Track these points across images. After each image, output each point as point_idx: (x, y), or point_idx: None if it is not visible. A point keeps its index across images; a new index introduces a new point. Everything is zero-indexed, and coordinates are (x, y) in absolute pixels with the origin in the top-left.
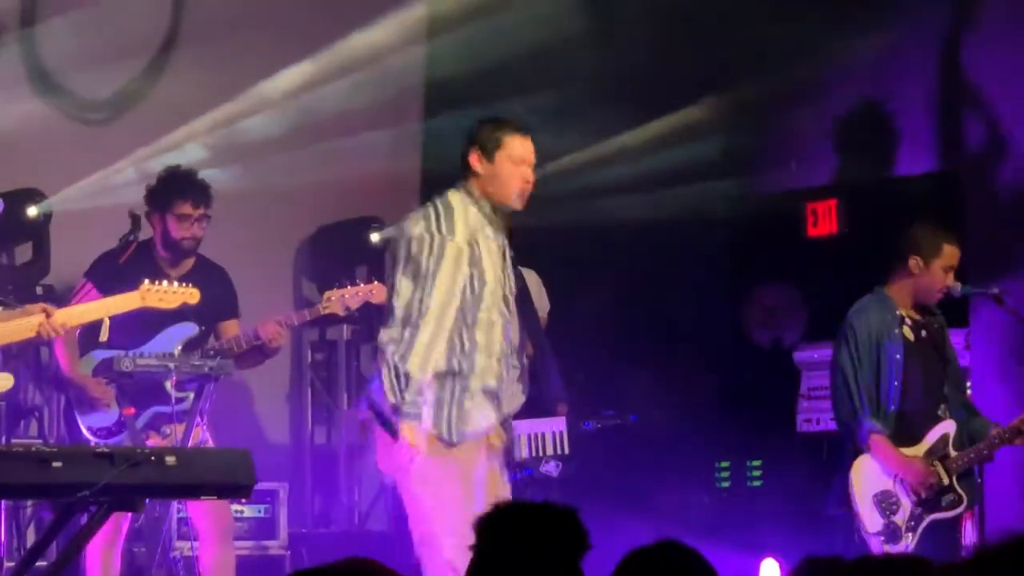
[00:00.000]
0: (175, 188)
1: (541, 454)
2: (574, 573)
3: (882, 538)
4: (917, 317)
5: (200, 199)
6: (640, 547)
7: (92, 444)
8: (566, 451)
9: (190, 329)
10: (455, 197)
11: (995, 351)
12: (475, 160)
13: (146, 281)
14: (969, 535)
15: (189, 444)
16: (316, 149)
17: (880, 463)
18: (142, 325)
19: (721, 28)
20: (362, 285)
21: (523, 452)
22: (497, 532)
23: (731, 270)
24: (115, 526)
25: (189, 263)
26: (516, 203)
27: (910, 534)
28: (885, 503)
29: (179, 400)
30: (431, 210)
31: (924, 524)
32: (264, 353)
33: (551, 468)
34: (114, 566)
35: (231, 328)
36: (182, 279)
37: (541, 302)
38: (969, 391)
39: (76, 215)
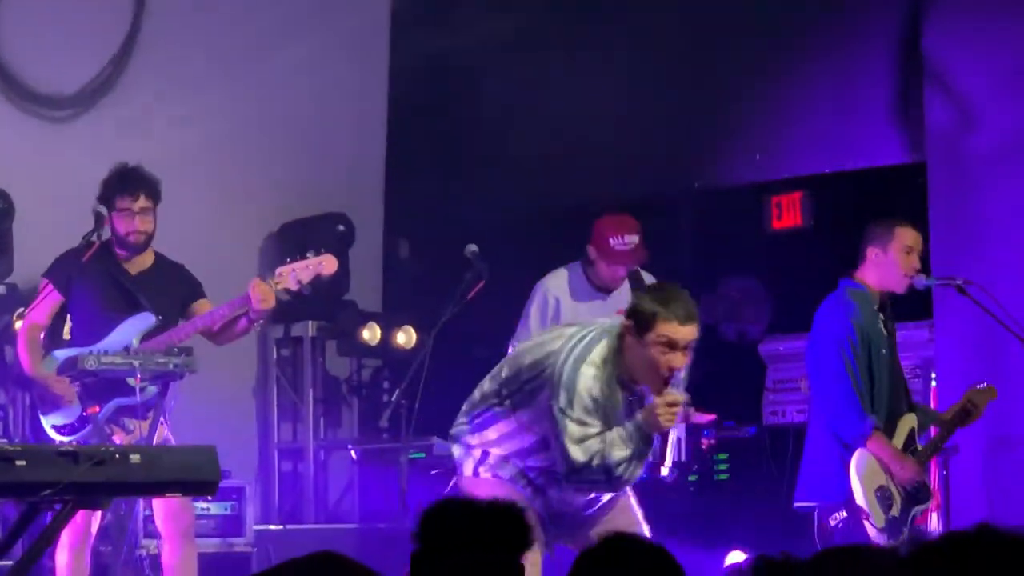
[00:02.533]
0: (116, 184)
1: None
2: (514, 569)
3: (887, 533)
4: (886, 311)
5: (138, 192)
6: (587, 548)
7: (56, 442)
8: (683, 458)
9: (147, 321)
10: None
11: (959, 342)
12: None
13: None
14: (934, 527)
15: (153, 442)
16: (280, 144)
17: (878, 459)
18: (103, 321)
19: (688, 17)
20: (312, 258)
21: None
22: (439, 527)
23: (696, 262)
24: (85, 527)
25: (147, 260)
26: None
27: (904, 528)
28: (883, 498)
29: (141, 392)
30: None
31: (911, 518)
32: (250, 320)
33: (669, 475)
34: (84, 567)
35: (204, 308)
36: (140, 275)
37: None
38: (934, 383)
39: (39, 213)
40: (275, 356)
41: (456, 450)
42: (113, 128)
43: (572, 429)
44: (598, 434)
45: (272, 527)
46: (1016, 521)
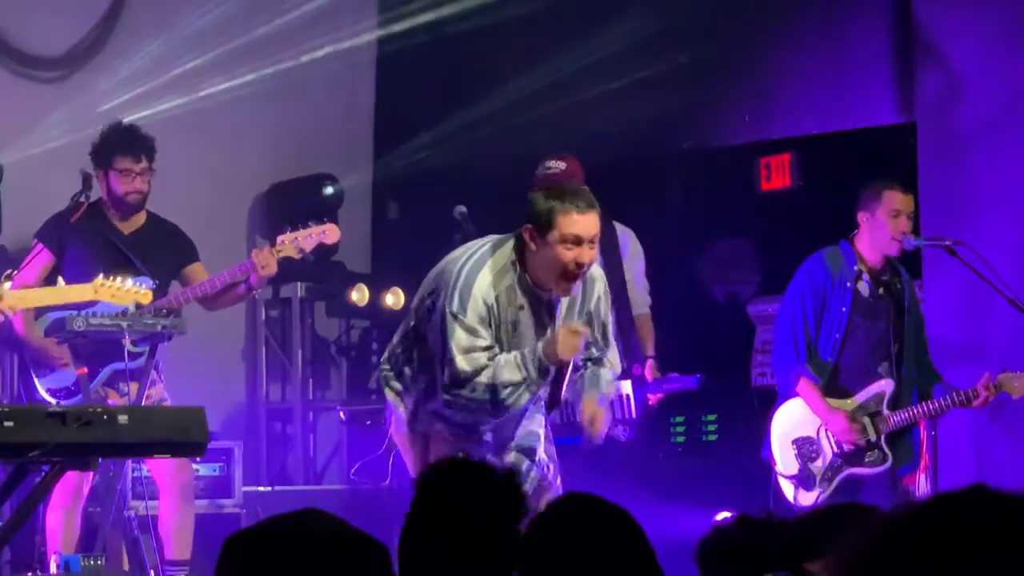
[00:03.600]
0: (115, 143)
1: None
2: (510, 536)
3: (794, 482)
4: (879, 274)
5: (140, 152)
6: (539, 512)
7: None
8: (634, 415)
9: (145, 283)
10: None
11: (949, 303)
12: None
13: (100, 276)
14: (922, 490)
15: (144, 403)
16: (270, 105)
17: (806, 410)
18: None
19: None
20: (314, 227)
21: None
22: (439, 486)
23: (685, 224)
24: (76, 488)
25: (140, 219)
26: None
27: (825, 483)
28: (805, 449)
29: (136, 356)
30: None
31: (841, 476)
32: (249, 287)
33: (619, 432)
34: (74, 528)
35: (198, 271)
36: (133, 235)
37: None
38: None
39: (28, 175)
40: (264, 317)
41: (389, 394)
42: (102, 89)
43: (460, 336)
44: (487, 348)
45: (261, 488)
46: (1004, 484)
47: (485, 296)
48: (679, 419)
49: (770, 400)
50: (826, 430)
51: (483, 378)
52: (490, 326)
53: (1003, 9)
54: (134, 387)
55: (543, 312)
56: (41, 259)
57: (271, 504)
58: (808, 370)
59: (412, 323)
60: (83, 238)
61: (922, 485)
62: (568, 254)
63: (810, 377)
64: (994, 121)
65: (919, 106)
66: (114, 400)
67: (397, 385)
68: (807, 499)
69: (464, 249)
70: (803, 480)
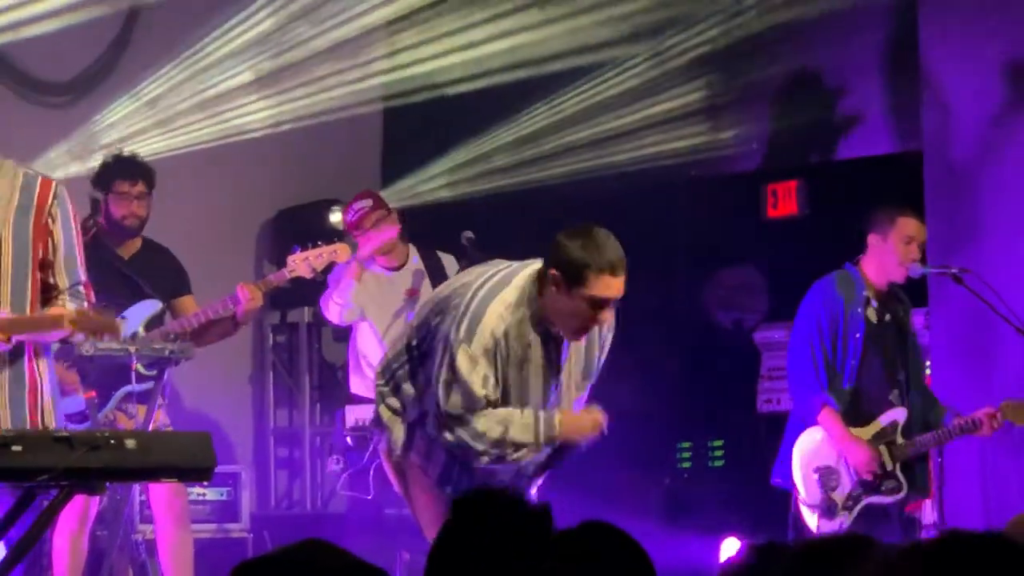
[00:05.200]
0: (113, 169)
1: None
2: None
3: (818, 511)
4: (885, 300)
5: (137, 177)
6: (564, 530)
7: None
8: None
9: (152, 307)
10: None
11: (954, 331)
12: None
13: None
14: (928, 517)
15: (150, 427)
16: (277, 133)
17: (827, 438)
18: (106, 306)
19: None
20: (325, 246)
21: None
22: (473, 514)
23: (692, 251)
24: (83, 512)
25: (136, 244)
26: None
27: (846, 512)
28: (826, 477)
29: (144, 379)
30: None
31: (861, 505)
32: (235, 322)
33: None
34: (81, 552)
35: (188, 304)
36: (130, 260)
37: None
38: (928, 371)
39: None
40: (271, 342)
41: (384, 413)
42: (110, 114)
43: (460, 363)
44: (483, 382)
45: (268, 513)
46: (1011, 510)
47: (494, 329)
48: (685, 445)
49: (777, 426)
50: (845, 459)
51: (492, 431)
52: (495, 360)
53: (1007, 34)
54: (141, 410)
55: (551, 350)
56: None
57: (278, 529)
58: (831, 398)
59: (415, 341)
60: (87, 263)
61: (928, 513)
62: (591, 313)
63: (832, 405)
64: (999, 150)
65: (925, 135)
66: (123, 423)
67: (394, 402)
68: (829, 528)
69: (477, 275)
70: (825, 509)
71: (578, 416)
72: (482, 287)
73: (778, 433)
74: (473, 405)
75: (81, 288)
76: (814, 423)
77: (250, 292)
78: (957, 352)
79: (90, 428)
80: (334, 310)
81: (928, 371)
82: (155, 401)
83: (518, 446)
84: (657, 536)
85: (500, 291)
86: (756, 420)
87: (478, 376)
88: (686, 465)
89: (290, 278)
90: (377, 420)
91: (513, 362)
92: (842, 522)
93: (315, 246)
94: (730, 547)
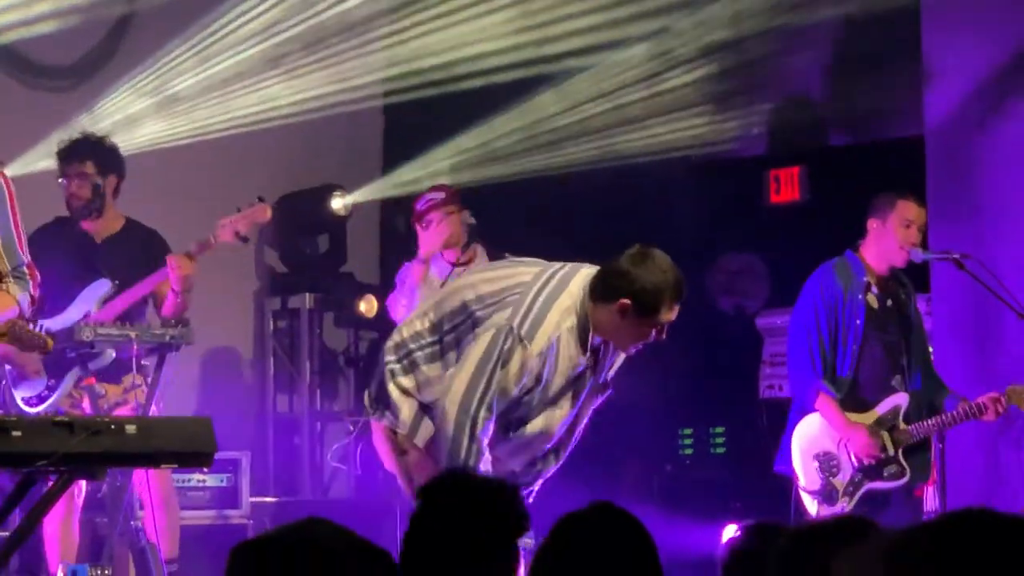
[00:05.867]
0: (60, 152)
1: None
2: (510, 550)
3: (818, 498)
4: (886, 285)
5: (72, 156)
6: (573, 511)
7: (28, 415)
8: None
9: (103, 286)
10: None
11: (956, 316)
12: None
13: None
14: (930, 503)
15: (150, 413)
16: (280, 118)
17: (826, 424)
18: (65, 289)
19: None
20: (246, 208)
21: None
22: (441, 498)
23: (694, 237)
24: (68, 497)
25: (116, 225)
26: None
27: (847, 498)
28: (826, 464)
29: (95, 357)
30: None
31: (862, 491)
32: (175, 292)
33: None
34: (72, 535)
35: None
36: (105, 242)
37: None
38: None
39: (35, 183)
40: (272, 328)
41: (393, 391)
42: (111, 99)
43: (512, 365)
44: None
45: (268, 499)
46: (1013, 497)
47: (551, 335)
48: (687, 431)
49: (779, 412)
50: (846, 444)
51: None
52: (544, 363)
53: (1012, 21)
54: (110, 389)
55: (592, 360)
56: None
57: (278, 515)
58: (826, 385)
59: (447, 326)
60: (53, 250)
61: (931, 499)
62: (652, 335)
63: (828, 392)
64: (1001, 135)
65: (927, 120)
66: (86, 403)
67: (406, 382)
68: (830, 514)
69: (534, 275)
70: (826, 495)
71: None
72: (543, 288)
73: (780, 419)
74: (487, 405)
75: (24, 269)
76: (812, 410)
77: (177, 261)
78: (959, 337)
79: (60, 411)
80: (400, 311)
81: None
82: (156, 387)
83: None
84: (658, 522)
85: (559, 296)
86: (758, 406)
87: (518, 376)
88: (688, 452)
89: (216, 243)
90: (382, 397)
91: (560, 368)
92: (843, 508)
93: (238, 211)
94: (731, 533)
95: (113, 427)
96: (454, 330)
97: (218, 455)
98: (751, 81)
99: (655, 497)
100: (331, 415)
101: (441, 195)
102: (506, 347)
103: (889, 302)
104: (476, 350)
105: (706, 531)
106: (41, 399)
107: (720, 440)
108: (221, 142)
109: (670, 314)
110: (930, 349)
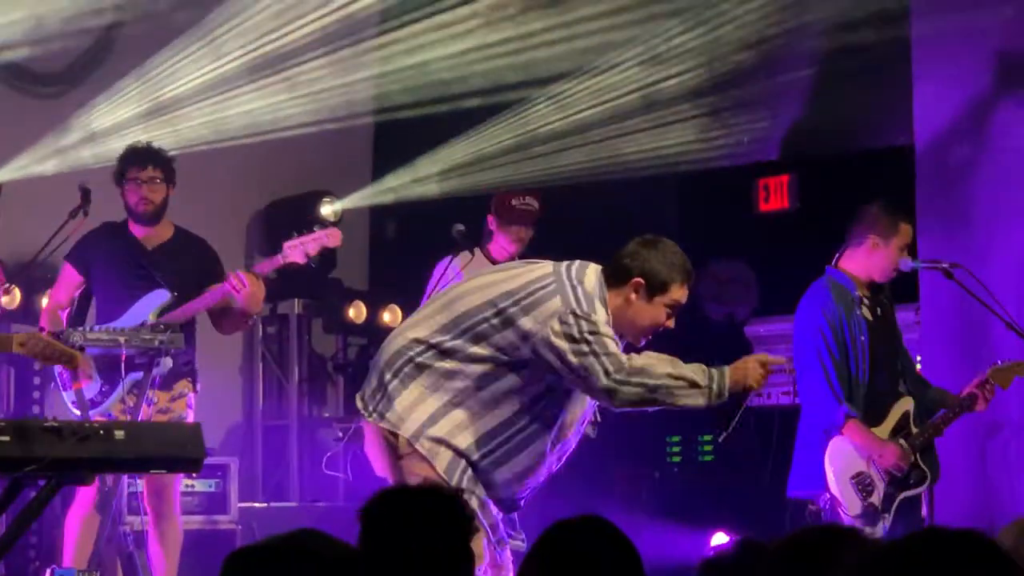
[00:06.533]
0: (126, 158)
1: None
2: (464, 552)
3: (862, 521)
4: (873, 295)
5: (147, 162)
6: (561, 520)
7: (78, 417)
8: (598, 417)
9: (162, 297)
10: None
11: (945, 325)
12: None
13: (27, 332)
14: (923, 509)
15: (139, 418)
16: (269, 125)
17: (855, 446)
18: (122, 298)
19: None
20: (317, 231)
21: None
22: (383, 516)
23: (683, 245)
24: (94, 493)
25: (166, 233)
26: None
27: (886, 514)
28: (862, 485)
29: (158, 365)
30: None
31: (896, 503)
32: (243, 311)
33: (590, 431)
34: (92, 534)
35: None
36: (157, 251)
37: None
38: (919, 366)
39: (26, 189)
40: (261, 334)
41: (402, 395)
42: (101, 105)
43: (599, 319)
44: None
45: (257, 504)
46: (1001, 504)
47: (603, 307)
48: (675, 439)
49: (766, 420)
50: (875, 461)
51: (657, 367)
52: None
53: (995, 34)
54: (161, 396)
55: None
56: (69, 279)
57: (267, 520)
58: (851, 409)
59: (465, 324)
60: (108, 257)
61: (922, 506)
62: (664, 318)
63: (855, 416)
64: (989, 145)
65: (916, 130)
66: (141, 411)
67: (415, 385)
68: (875, 535)
69: (551, 266)
70: (869, 517)
71: (743, 363)
72: (570, 273)
73: (768, 427)
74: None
75: None
76: (837, 435)
77: (245, 279)
78: (947, 346)
79: (109, 415)
80: None
81: (919, 365)
82: (145, 391)
83: (690, 384)
84: (646, 530)
85: (583, 281)
86: (746, 414)
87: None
88: (676, 460)
89: (284, 264)
90: (383, 399)
91: None
92: (885, 525)
93: (309, 231)
94: (719, 542)
95: (102, 432)
96: (472, 328)
97: (207, 460)
98: (741, 91)
99: (643, 504)
100: (320, 421)
101: (535, 203)
102: (579, 327)
103: (879, 311)
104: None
105: (693, 538)
106: (94, 404)
107: (708, 448)
108: (211, 149)
109: (681, 292)
110: (918, 362)
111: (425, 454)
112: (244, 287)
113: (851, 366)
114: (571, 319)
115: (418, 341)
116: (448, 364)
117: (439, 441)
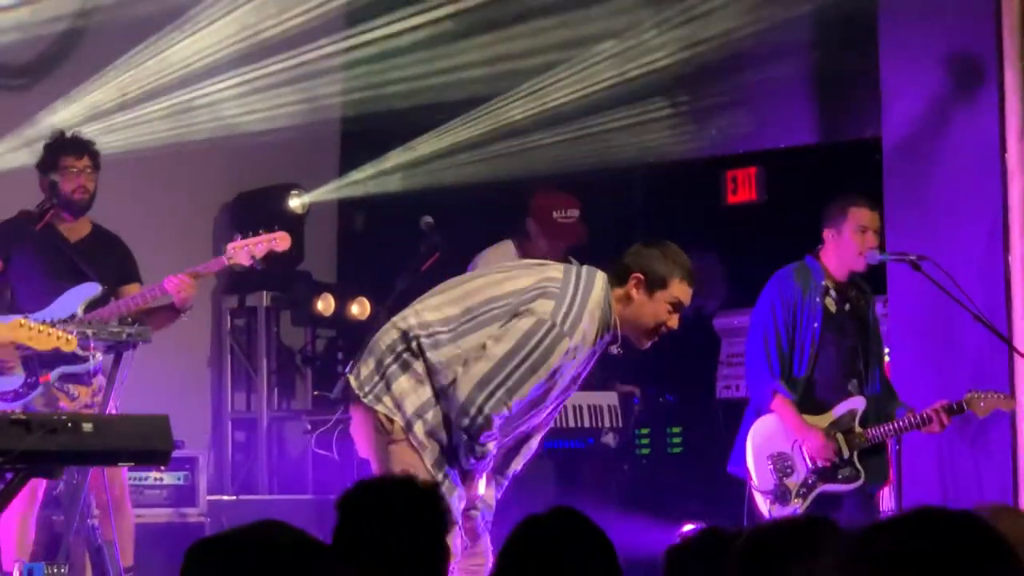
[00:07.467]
0: (59, 146)
1: (599, 425)
2: (440, 547)
3: (770, 498)
4: (845, 290)
5: (83, 152)
6: (532, 515)
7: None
8: (620, 424)
9: (92, 289)
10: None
11: (913, 317)
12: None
13: (21, 317)
14: (887, 504)
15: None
16: (235, 117)
17: (783, 427)
18: (47, 288)
19: None
20: (265, 234)
21: (583, 422)
22: (360, 508)
23: (651, 237)
24: (31, 494)
25: (84, 228)
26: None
27: (799, 500)
28: (780, 464)
29: (84, 360)
30: None
31: (815, 493)
32: (174, 310)
33: (610, 439)
34: (29, 534)
35: (134, 292)
36: (79, 244)
37: None
38: (888, 358)
39: None
40: (229, 326)
41: (405, 382)
42: (68, 97)
43: (559, 350)
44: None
45: (225, 497)
46: (967, 497)
47: (587, 330)
48: (644, 431)
49: (735, 413)
50: (800, 446)
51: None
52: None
53: (960, 30)
54: (82, 390)
55: (597, 352)
56: None
57: (235, 513)
58: (782, 386)
59: (476, 312)
60: (29, 245)
61: (887, 500)
62: (667, 315)
63: (784, 393)
64: (956, 137)
65: (884, 122)
66: (65, 403)
67: (413, 372)
68: (783, 514)
69: (562, 270)
70: (779, 495)
71: None
72: (579, 282)
73: (737, 420)
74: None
75: None
76: (768, 411)
77: (179, 283)
78: (916, 338)
79: (32, 408)
80: None
81: (888, 357)
82: (113, 385)
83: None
84: (616, 522)
85: (592, 291)
86: (715, 407)
87: (551, 368)
88: (645, 452)
89: (228, 265)
90: (380, 382)
91: (579, 358)
92: (795, 509)
93: (255, 234)
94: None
95: (70, 425)
96: (474, 319)
97: (175, 453)
98: (709, 84)
99: (613, 497)
100: (288, 413)
101: (576, 214)
102: (547, 340)
103: (847, 306)
104: (513, 332)
105: (663, 531)
106: (17, 395)
107: (677, 440)
108: (179, 142)
109: (681, 289)
110: (886, 357)
111: (416, 445)
112: (180, 290)
113: (795, 348)
114: (543, 328)
115: (423, 327)
116: (439, 352)
117: (430, 434)
